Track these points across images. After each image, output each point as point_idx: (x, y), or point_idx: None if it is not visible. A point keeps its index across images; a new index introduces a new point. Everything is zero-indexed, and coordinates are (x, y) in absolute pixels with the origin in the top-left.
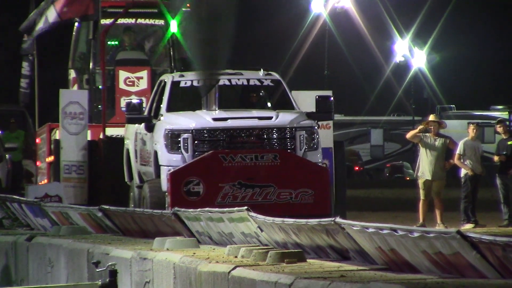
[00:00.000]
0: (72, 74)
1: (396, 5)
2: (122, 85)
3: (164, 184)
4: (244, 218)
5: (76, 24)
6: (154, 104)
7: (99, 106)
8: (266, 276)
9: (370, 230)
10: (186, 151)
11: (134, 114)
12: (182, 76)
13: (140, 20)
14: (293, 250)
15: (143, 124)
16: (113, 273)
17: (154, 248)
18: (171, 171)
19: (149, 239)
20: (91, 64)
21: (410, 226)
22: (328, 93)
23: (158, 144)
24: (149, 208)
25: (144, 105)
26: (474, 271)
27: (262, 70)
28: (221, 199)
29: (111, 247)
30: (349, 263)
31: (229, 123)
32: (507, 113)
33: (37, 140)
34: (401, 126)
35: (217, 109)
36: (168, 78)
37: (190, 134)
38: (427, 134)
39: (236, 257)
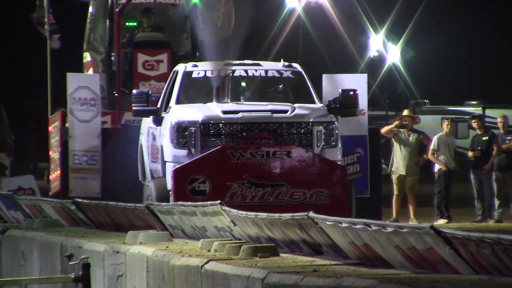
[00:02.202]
0: (87, 57)
1: (371, 0)
2: (140, 69)
3: (169, 182)
4: (217, 212)
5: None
6: (166, 96)
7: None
8: (239, 270)
9: (344, 225)
10: (193, 146)
11: (141, 106)
12: (195, 66)
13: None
14: (266, 245)
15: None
16: (86, 266)
17: (127, 241)
18: (175, 168)
19: (122, 233)
20: (106, 47)
21: (383, 221)
22: (363, 78)
23: (164, 138)
24: None
25: (153, 95)
26: (448, 267)
27: (282, 61)
28: (229, 199)
29: (84, 240)
30: (322, 258)
31: (240, 117)
32: (481, 108)
33: (50, 128)
34: (375, 121)
35: (229, 101)
36: (180, 68)
37: (197, 128)
38: (401, 129)
39: (209, 251)
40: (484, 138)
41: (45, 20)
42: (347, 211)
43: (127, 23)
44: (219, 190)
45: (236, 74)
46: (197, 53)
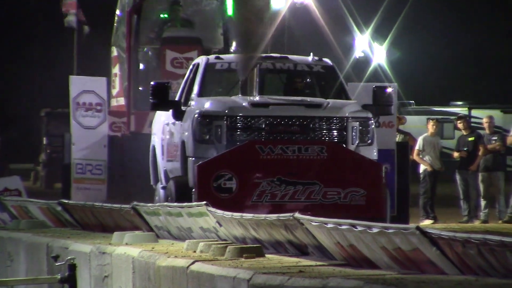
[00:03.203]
0: (114, 52)
1: (356, 0)
2: (168, 67)
3: (192, 179)
4: (203, 213)
5: None
6: (185, 90)
7: (140, 88)
8: (225, 271)
9: (329, 225)
10: (219, 140)
11: (160, 99)
12: (218, 58)
13: None
14: (251, 245)
15: (171, 112)
16: (72, 267)
17: (113, 242)
18: (199, 163)
19: (108, 234)
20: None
21: (369, 222)
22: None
23: (187, 132)
24: None
25: (172, 88)
26: (434, 267)
27: (312, 55)
28: (257, 198)
29: (70, 241)
30: (308, 259)
31: (270, 110)
32: (466, 109)
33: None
34: None
35: (256, 95)
36: (202, 60)
37: (223, 121)
38: None
39: (194, 251)
40: (469, 139)
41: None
42: (385, 213)
43: (161, 15)
44: (246, 187)
45: (263, 67)
46: (231, 50)
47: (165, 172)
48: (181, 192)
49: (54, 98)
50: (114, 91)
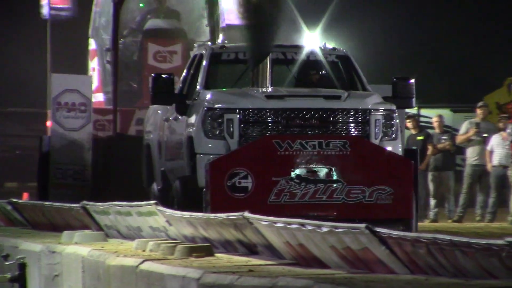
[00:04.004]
0: (92, 44)
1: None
2: (151, 61)
3: (202, 178)
4: (153, 212)
5: None
6: (187, 83)
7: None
8: (174, 270)
9: (279, 225)
10: (231, 136)
11: (162, 92)
12: (223, 47)
13: None
14: (201, 245)
15: (172, 107)
16: (22, 266)
17: (63, 241)
18: (211, 161)
19: (58, 233)
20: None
21: (318, 221)
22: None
23: (194, 127)
24: (182, 209)
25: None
26: (383, 267)
27: (325, 43)
28: (275, 197)
29: (20, 240)
30: (258, 258)
31: (287, 102)
32: (416, 108)
33: (48, 124)
34: None
35: (269, 86)
36: (206, 50)
37: (236, 115)
38: None
39: (144, 251)
40: (418, 138)
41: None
42: (412, 213)
43: (141, 4)
44: (263, 186)
45: (273, 57)
46: (220, 41)
47: (163, 173)
48: (189, 193)
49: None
50: (93, 87)
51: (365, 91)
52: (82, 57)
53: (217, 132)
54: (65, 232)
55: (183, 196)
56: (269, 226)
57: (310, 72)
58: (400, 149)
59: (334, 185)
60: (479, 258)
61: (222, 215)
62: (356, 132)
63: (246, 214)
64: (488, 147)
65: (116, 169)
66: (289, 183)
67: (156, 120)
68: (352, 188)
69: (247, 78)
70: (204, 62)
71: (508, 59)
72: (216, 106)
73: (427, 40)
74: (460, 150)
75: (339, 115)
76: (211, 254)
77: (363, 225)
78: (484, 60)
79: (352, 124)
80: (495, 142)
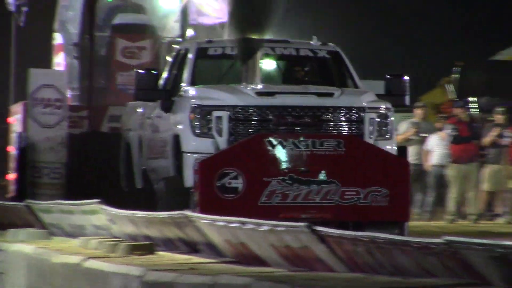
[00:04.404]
0: (58, 39)
1: None
2: (119, 57)
3: (189, 178)
4: (96, 211)
5: None
6: (172, 79)
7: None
8: (117, 268)
9: (220, 223)
10: (219, 134)
11: (147, 88)
12: (210, 42)
13: None
14: (143, 243)
15: (154, 104)
16: None
17: (7, 239)
18: (200, 160)
19: (2, 231)
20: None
21: (259, 220)
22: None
23: (181, 125)
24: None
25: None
26: (323, 265)
27: (316, 38)
28: (266, 199)
29: None
30: (199, 256)
31: (278, 99)
32: None
33: (11, 120)
34: None
35: (259, 82)
36: (191, 45)
37: (225, 112)
38: None
39: (87, 249)
40: None
41: None
42: (408, 216)
43: None
44: (254, 187)
45: (262, 52)
46: (186, 39)
47: (144, 172)
48: (175, 194)
49: None
50: None
51: (357, 88)
52: (47, 52)
53: (205, 130)
54: (10, 230)
55: (168, 197)
56: (210, 225)
57: (300, 68)
58: (395, 149)
59: (328, 186)
60: (417, 256)
61: (163, 214)
62: (349, 131)
63: (187, 212)
64: (427, 147)
65: (92, 167)
66: (281, 183)
67: (136, 118)
68: (347, 189)
69: (234, 74)
70: (189, 57)
71: (443, 60)
72: (204, 103)
73: (363, 40)
74: None
75: (332, 113)
76: (152, 252)
77: (303, 224)
78: (420, 60)
79: (345, 123)
80: (434, 142)
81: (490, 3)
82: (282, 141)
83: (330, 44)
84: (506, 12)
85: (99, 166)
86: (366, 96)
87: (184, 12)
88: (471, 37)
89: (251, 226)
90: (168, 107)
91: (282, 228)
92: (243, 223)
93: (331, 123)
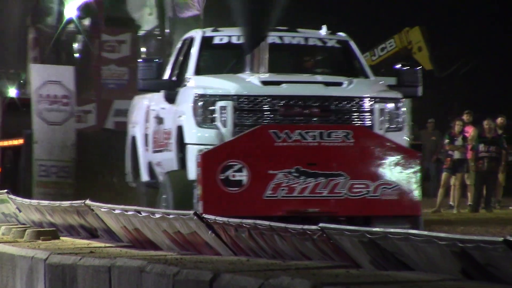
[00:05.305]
0: (32, 33)
1: None
2: (97, 51)
3: (192, 171)
4: (4, 200)
5: None
6: (176, 69)
7: None
8: (24, 251)
9: (117, 211)
10: (224, 124)
11: (150, 78)
12: (216, 30)
13: None
14: (48, 229)
15: (160, 95)
16: None
17: None
18: (203, 152)
19: None
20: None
21: (152, 209)
22: None
23: (184, 115)
24: (172, 206)
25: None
26: (210, 249)
27: (324, 27)
28: (271, 192)
29: None
30: (98, 241)
31: (285, 89)
32: None
33: None
34: None
35: (266, 72)
36: (196, 34)
37: (230, 102)
38: None
39: None
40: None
41: None
42: (420, 210)
43: None
44: (259, 180)
45: (269, 41)
46: (168, 31)
47: (149, 166)
48: (180, 188)
49: None
50: None
51: (367, 78)
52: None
53: (209, 121)
54: None
55: (173, 191)
56: (108, 213)
57: (308, 57)
58: (406, 141)
59: (336, 179)
60: (295, 241)
61: (65, 203)
62: (359, 122)
63: (88, 202)
64: None
65: (101, 165)
66: (287, 176)
67: (141, 110)
68: (355, 182)
69: (240, 64)
70: (194, 46)
71: None
72: (208, 92)
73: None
74: None
75: (341, 103)
76: (56, 237)
77: (191, 212)
78: None
79: (354, 113)
80: None
81: None
82: (289, 132)
83: (340, 33)
84: None
85: (108, 162)
86: (376, 86)
87: (161, 5)
88: None
89: (145, 214)
90: (172, 98)
91: (173, 216)
92: (138, 211)
93: (340, 114)
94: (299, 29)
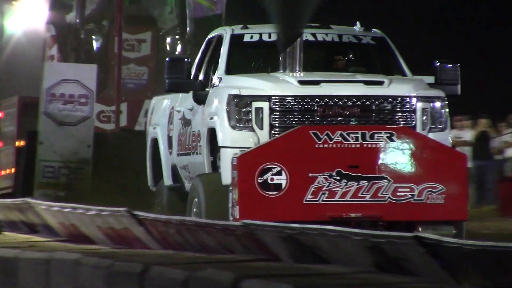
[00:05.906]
0: (51, 30)
1: None
2: (117, 49)
3: (227, 175)
4: None
5: None
6: (203, 69)
7: None
8: None
9: (55, 208)
10: (260, 126)
11: (178, 78)
12: (245, 28)
13: None
14: None
15: (184, 96)
16: None
17: None
18: (239, 155)
19: None
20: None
21: (88, 206)
22: None
23: (217, 117)
24: (204, 210)
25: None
26: (141, 243)
27: (358, 24)
28: (312, 196)
29: None
30: (38, 236)
31: (323, 89)
32: None
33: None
34: None
35: (301, 71)
36: (225, 31)
37: (266, 103)
38: None
39: None
40: None
41: None
42: (467, 214)
43: None
44: (299, 184)
45: (302, 38)
46: (189, 29)
47: (173, 169)
48: (213, 191)
49: None
50: None
51: (405, 77)
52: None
53: (244, 122)
54: None
55: (206, 195)
56: (46, 210)
57: (342, 56)
58: (449, 141)
59: (379, 182)
60: (219, 236)
61: (7, 201)
62: (401, 122)
63: (28, 199)
64: None
65: (118, 167)
66: (328, 180)
67: (164, 111)
68: (399, 185)
69: (272, 62)
70: (224, 45)
71: None
72: (243, 92)
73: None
74: None
75: (382, 103)
76: (0, 232)
77: (124, 209)
78: None
79: (397, 113)
80: None
81: None
82: (330, 133)
83: (375, 30)
84: None
85: (126, 165)
86: (418, 84)
87: (181, 3)
88: None
89: (81, 211)
90: (202, 99)
91: (107, 213)
92: (74, 208)
93: (382, 114)
94: (332, 26)
